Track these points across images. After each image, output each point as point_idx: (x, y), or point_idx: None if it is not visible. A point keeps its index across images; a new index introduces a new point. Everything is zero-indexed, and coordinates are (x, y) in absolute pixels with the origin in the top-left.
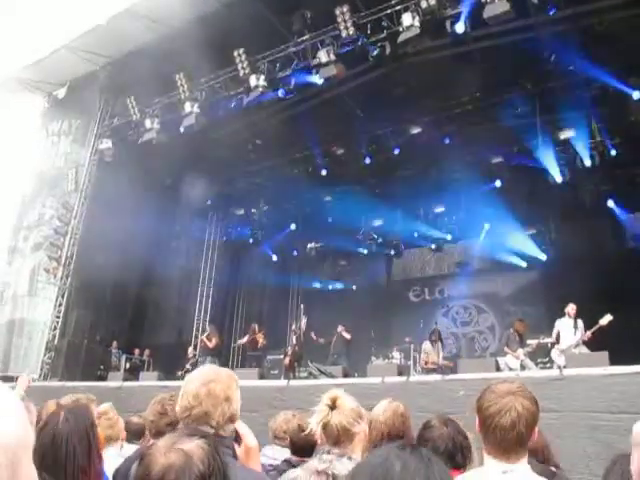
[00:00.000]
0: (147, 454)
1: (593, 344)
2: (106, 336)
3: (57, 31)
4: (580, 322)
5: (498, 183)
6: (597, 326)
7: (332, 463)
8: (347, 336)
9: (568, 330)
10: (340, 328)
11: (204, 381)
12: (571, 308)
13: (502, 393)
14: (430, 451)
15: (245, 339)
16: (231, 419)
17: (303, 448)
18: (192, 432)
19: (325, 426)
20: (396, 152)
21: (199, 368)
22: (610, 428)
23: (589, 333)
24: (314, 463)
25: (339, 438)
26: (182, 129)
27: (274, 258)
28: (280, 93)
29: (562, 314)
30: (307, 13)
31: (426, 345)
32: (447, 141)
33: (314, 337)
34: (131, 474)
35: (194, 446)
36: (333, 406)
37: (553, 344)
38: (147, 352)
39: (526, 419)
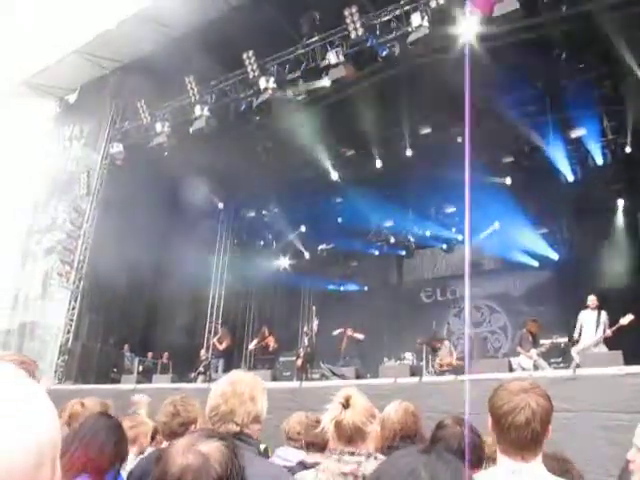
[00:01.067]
0: (165, 454)
1: (609, 344)
2: (119, 339)
3: (67, 36)
4: (604, 314)
5: (509, 182)
6: (618, 325)
7: (361, 465)
8: (360, 337)
9: (590, 324)
10: (349, 331)
11: (230, 382)
12: (591, 300)
13: (515, 391)
14: (450, 454)
15: (255, 343)
16: (256, 419)
17: (318, 447)
18: (211, 433)
19: (338, 424)
20: (406, 152)
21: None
22: (625, 428)
23: (609, 332)
24: (333, 464)
25: (352, 437)
26: (192, 132)
27: (285, 260)
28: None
29: (574, 313)
30: (316, 15)
31: (445, 345)
32: (458, 140)
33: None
34: (147, 475)
35: (212, 448)
36: (346, 405)
37: (575, 341)
38: (166, 355)
39: (541, 416)
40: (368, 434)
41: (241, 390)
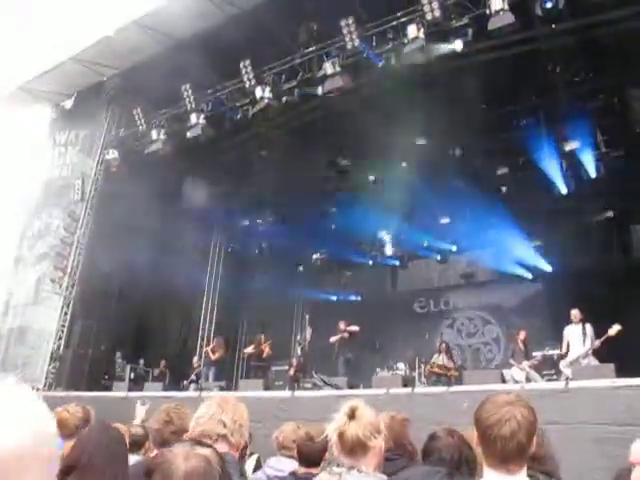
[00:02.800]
0: (165, 460)
1: (600, 356)
2: (111, 346)
3: (65, 42)
4: (589, 327)
5: (503, 194)
6: (605, 336)
7: (342, 476)
8: (355, 328)
9: (577, 338)
10: (343, 325)
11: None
12: (574, 315)
13: (501, 403)
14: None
15: (251, 348)
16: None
17: (310, 458)
18: (201, 442)
19: (341, 435)
20: (402, 163)
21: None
22: (616, 440)
23: (597, 343)
24: (324, 476)
25: (353, 449)
26: (188, 140)
27: (279, 269)
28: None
29: (568, 324)
30: (313, 25)
31: (437, 358)
32: (452, 152)
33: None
34: None
35: (209, 453)
36: (352, 416)
37: (562, 355)
38: (163, 363)
39: (526, 428)
40: (371, 448)
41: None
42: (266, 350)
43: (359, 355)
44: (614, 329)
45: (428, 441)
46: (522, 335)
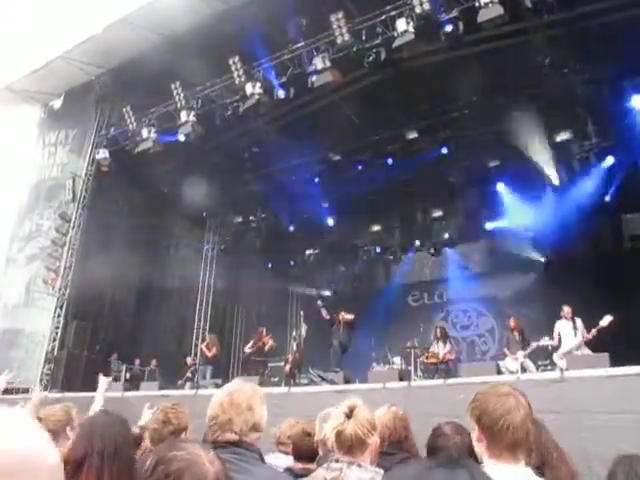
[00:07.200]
0: (193, 463)
1: (594, 345)
2: (105, 346)
3: (53, 41)
4: (579, 321)
5: (496, 186)
6: (598, 327)
7: (342, 471)
8: (349, 317)
9: (568, 332)
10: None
11: (228, 392)
12: (566, 311)
13: (504, 393)
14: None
15: (250, 345)
16: (255, 428)
17: (306, 453)
18: (205, 443)
19: (339, 434)
20: (392, 157)
21: (228, 383)
22: (612, 428)
23: (590, 335)
24: (322, 472)
25: (352, 447)
26: (179, 138)
27: (273, 265)
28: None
29: (559, 319)
30: (302, 20)
31: (434, 346)
32: (444, 145)
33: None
34: None
35: (213, 454)
36: (350, 415)
37: (555, 347)
38: (154, 362)
39: (530, 415)
40: (368, 445)
41: (239, 400)
42: (269, 342)
43: (355, 351)
44: (606, 320)
45: (434, 437)
46: (513, 323)
